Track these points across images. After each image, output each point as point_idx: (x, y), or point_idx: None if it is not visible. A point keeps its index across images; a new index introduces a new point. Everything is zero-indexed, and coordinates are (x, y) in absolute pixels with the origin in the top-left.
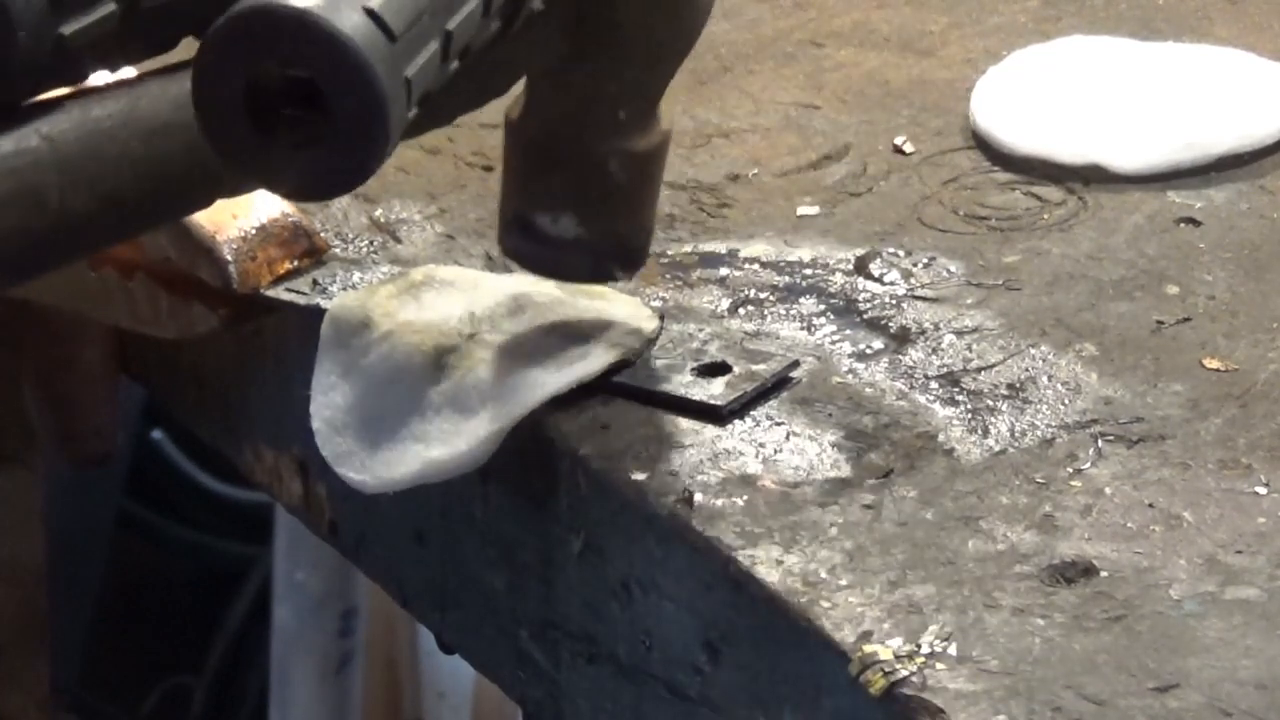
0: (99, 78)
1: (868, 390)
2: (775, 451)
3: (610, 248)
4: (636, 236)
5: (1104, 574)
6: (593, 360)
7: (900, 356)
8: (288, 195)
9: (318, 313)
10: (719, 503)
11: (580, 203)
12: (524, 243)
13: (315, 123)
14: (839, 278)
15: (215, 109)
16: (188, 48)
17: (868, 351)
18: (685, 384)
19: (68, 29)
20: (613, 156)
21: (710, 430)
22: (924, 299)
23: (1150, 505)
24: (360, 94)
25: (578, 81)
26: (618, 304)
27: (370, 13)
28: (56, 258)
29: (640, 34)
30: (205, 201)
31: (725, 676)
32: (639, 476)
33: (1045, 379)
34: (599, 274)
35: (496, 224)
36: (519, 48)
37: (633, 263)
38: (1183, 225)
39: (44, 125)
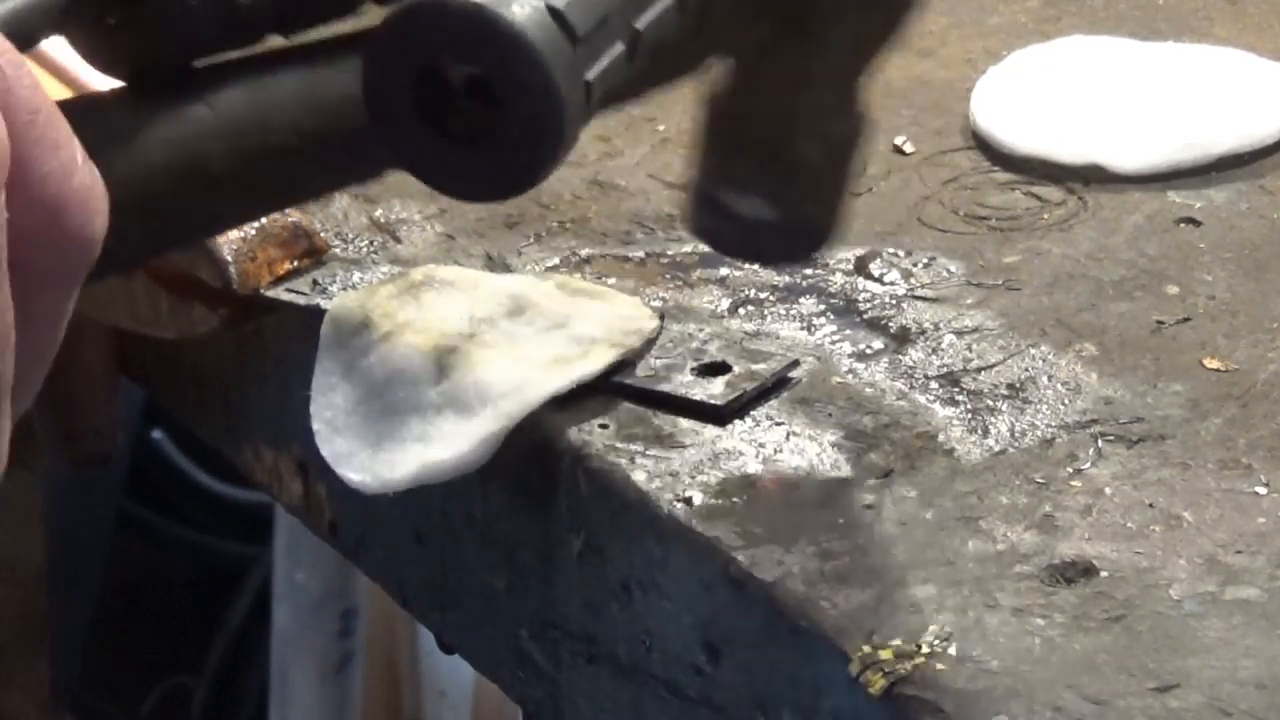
0: (274, 42)
1: (868, 390)
2: (775, 451)
3: (799, 229)
4: (826, 219)
5: (1104, 574)
6: (593, 360)
7: (900, 356)
8: (455, 195)
9: (318, 313)
10: (719, 503)
11: (774, 183)
12: (712, 221)
13: (488, 121)
14: (839, 278)
15: (384, 101)
16: (375, 13)
17: (868, 351)
18: (685, 384)
19: None
20: (812, 138)
21: (710, 430)
22: (924, 299)
23: (1150, 505)
24: (535, 96)
25: (782, 62)
26: (618, 304)
27: (552, 10)
28: (215, 226)
29: (848, 18)
30: (374, 174)
31: (725, 676)
32: (639, 476)
33: (1045, 379)
34: (782, 255)
35: (684, 202)
36: (720, 35)
37: (816, 245)
38: (1183, 225)
39: (211, 92)
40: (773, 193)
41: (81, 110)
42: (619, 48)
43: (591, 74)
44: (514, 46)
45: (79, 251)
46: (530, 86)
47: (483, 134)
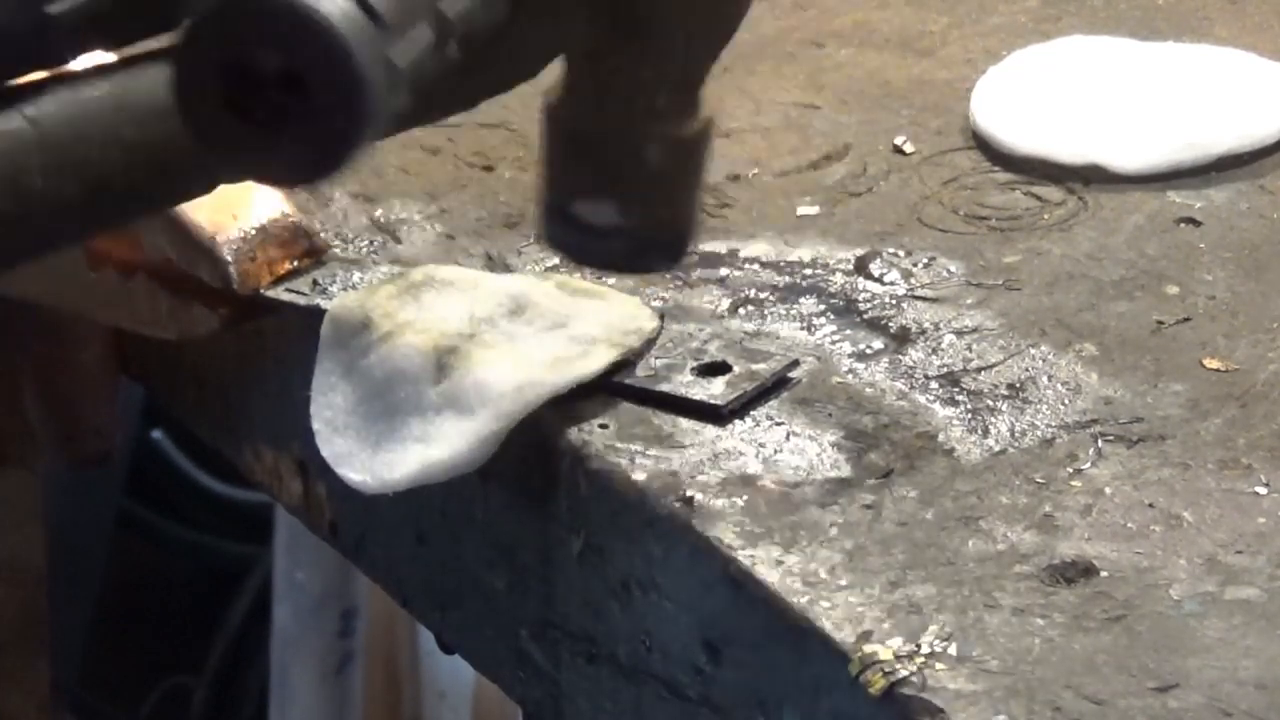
0: (90, 59)
1: (868, 390)
2: (775, 451)
3: (651, 236)
4: (678, 224)
5: (1104, 574)
6: (593, 360)
7: (900, 356)
8: (269, 181)
9: (318, 313)
10: (719, 503)
11: (620, 190)
12: (563, 231)
13: (296, 108)
14: (839, 278)
15: (195, 94)
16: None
17: (868, 351)
18: (685, 384)
19: (55, 8)
20: (652, 142)
21: (710, 430)
22: (924, 299)
23: (1150, 505)
24: (340, 81)
25: (614, 66)
26: (618, 304)
27: None
28: (40, 245)
29: (675, 19)
30: (201, 189)
31: (725, 676)
32: (639, 476)
33: (1045, 379)
34: (639, 262)
35: (535, 212)
36: (545, 30)
37: (674, 251)
38: (1183, 225)
39: (28, 106)
40: (620, 200)
41: None
42: (426, 32)
43: (398, 58)
44: (315, 30)
45: None
46: (334, 70)
47: (292, 119)
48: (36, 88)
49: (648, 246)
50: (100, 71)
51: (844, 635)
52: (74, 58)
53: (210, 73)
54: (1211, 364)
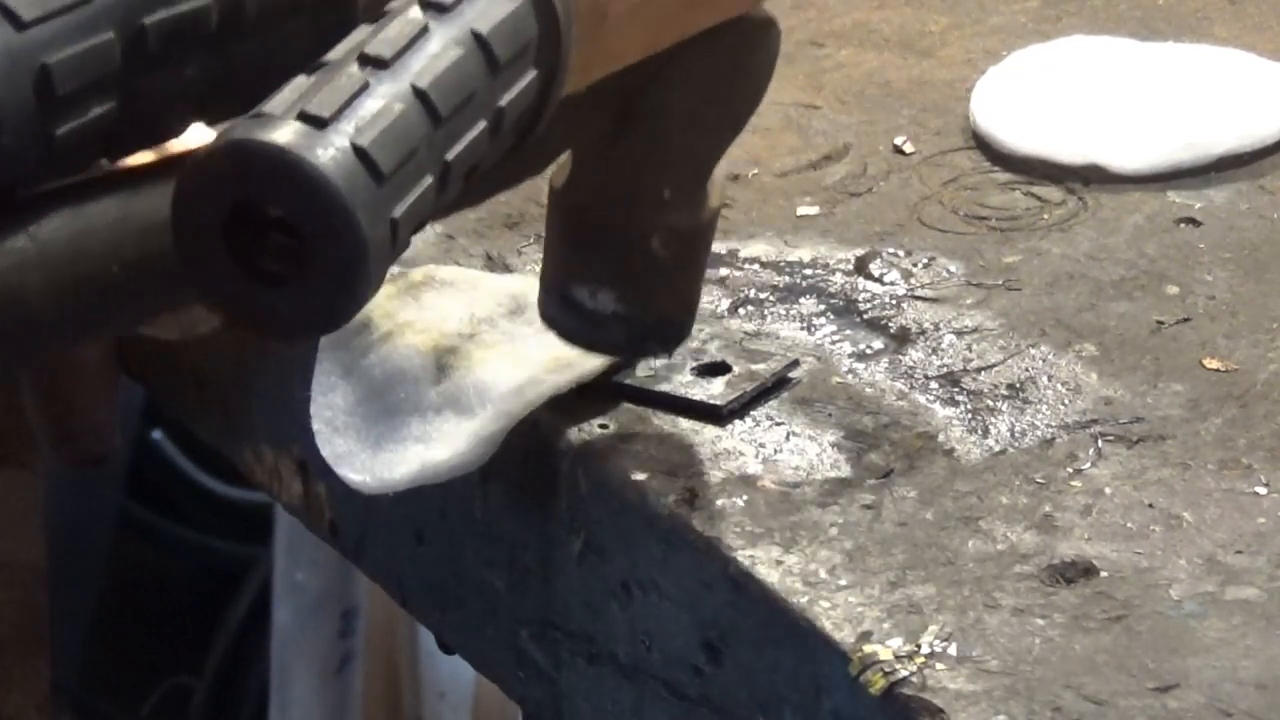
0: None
1: (868, 390)
2: (775, 451)
3: (649, 324)
4: (677, 314)
5: (1104, 574)
6: (593, 360)
7: (900, 356)
8: (265, 336)
9: None
10: (719, 503)
11: (620, 279)
12: (562, 314)
13: (296, 259)
14: (839, 278)
15: (193, 240)
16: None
17: (868, 351)
18: (685, 384)
19: (60, 129)
20: (656, 234)
21: (710, 430)
22: (924, 299)
23: (1150, 505)
24: (340, 240)
25: (623, 157)
26: None
27: (357, 150)
28: (24, 358)
29: (687, 118)
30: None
31: (725, 676)
32: (639, 476)
33: (1045, 379)
34: (636, 350)
35: (538, 291)
36: (559, 129)
37: (672, 340)
38: (1183, 225)
39: (32, 224)
40: (620, 289)
41: None
42: (428, 181)
43: (398, 212)
44: (316, 189)
45: None
46: (334, 230)
47: (291, 273)
48: (44, 201)
49: (644, 334)
50: (106, 183)
51: (844, 635)
52: (86, 169)
53: (206, 220)
54: (1211, 364)
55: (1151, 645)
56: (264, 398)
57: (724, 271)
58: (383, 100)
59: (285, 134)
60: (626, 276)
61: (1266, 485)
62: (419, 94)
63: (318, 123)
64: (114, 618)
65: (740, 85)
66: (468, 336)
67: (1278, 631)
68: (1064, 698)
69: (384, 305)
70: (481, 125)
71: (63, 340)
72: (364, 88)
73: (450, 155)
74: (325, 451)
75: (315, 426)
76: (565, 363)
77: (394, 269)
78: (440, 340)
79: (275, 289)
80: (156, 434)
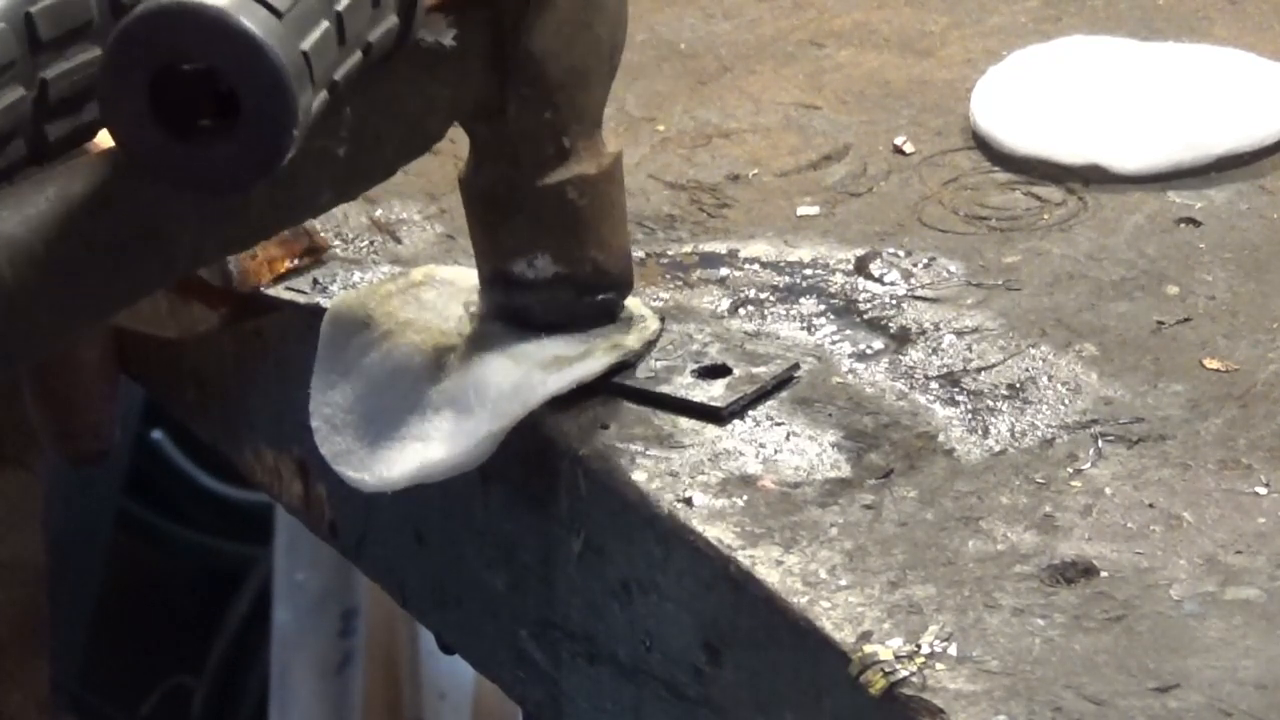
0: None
1: (868, 390)
2: (775, 451)
3: (590, 277)
4: (614, 262)
5: (1104, 574)
6: (593, 360)
7: (900, 356)
8: (202, 189)
9: (318, 312)
10: (719, 503)
11: (550, 239)
12: (508, 296)
13: (223, 110)
14: (839, 278)
15: (123, 111)
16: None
17: (868, 351)
18: (685, 385)
19: None
20: (569, 186)
21: (710, 430)
22: (924, 299)
23: (1150, 505)
24: (258, 70)
25: (515, 117)
26: None
27: None
28: (21, 351)
29: (557, 58)
30: (168, 274)
31: (725, 676)
32: (639, 476)
33: (1045, 379)
34: (591, 308)
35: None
36: (443, 85)
37: (618, 287)
38: (1183, 225)
39: None
40: (553, 248)
41: None
42: (325, 24)
43: (306, 45)
44: (226, 29)
45: None
46: (251, 61)
47: (221, 123)
48: None
49: (592, 288)
50: (46, 172)
51: (844, 635)
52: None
53: (133, 87)
54: (1211, 364)
55: (1152, 645)
56: (264, 398)
57: (724, 271)
58: None
59: None
60: (554, 234)
61: (1266, 485)
62: None
63: None
64: (114, 618)
65: (603, 8)
66: (468, 336)
67: (1278, 631)
68: (1064, 698)
69: (384, 305)
70: None
71: (45, 330)
72: None
73: (340, 6)
74: (324, 449)
75: (315, 424)
76: (565, 363)
77: (394, 269)
78: (440, 340)
79: (210, 142)
80: (156, 434)
